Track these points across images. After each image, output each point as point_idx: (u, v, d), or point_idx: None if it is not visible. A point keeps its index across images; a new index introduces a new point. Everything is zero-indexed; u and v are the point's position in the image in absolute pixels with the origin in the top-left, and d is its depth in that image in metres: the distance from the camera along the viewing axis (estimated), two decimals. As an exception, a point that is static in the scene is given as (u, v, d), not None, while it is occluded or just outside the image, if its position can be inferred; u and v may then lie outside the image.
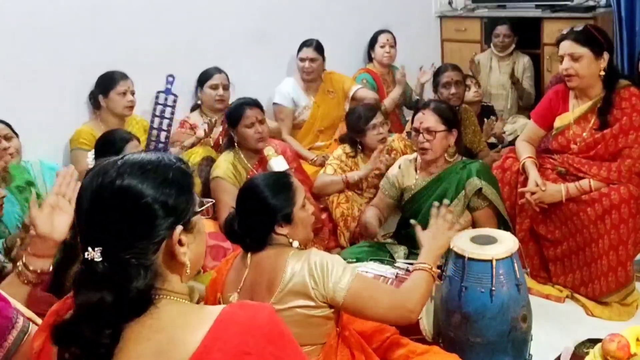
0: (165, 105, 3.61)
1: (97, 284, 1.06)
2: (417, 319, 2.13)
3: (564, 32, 2.95)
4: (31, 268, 1.74)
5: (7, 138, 2.92)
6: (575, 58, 2.83)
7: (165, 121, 3.57)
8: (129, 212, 1.08)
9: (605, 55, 2.84)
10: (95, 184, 1.10)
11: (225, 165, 3.16)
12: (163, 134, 3.55)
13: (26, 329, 1.48)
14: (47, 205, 1.78)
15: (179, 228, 1.12)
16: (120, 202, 1.08)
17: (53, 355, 1.14)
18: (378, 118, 3.43)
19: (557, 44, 2.95)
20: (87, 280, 1.07)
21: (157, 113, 3.57)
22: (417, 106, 3.08)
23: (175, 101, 3.65)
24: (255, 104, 3.22)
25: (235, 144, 3.21)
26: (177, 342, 1.06)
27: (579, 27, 2.91)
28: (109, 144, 2.81)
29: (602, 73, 2.85)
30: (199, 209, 1.18)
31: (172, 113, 3.62)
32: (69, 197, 1.80)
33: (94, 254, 1.07)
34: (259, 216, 1.92)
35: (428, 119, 2.85)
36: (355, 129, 3.46)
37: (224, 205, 2.85)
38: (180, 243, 1.12)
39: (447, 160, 2.90)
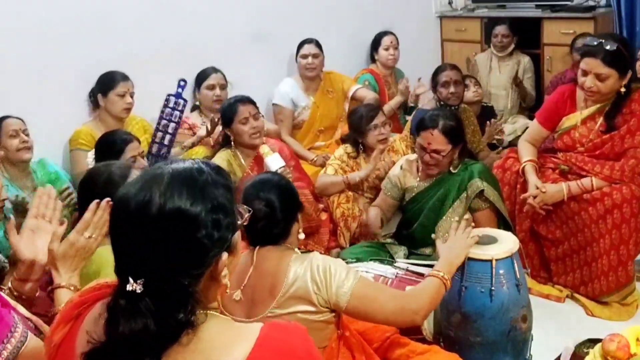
0: (174, 109, 3.60)
1: (139, 315, 1.01)
2: (421, 322, 2.13)
3: (590, 42, 2.84)
4: (16, 294, 1.68)
5: (26, 133, 2.94)
6: (601, 79, 2.76)
7: (172, 125, 3.57)
8: (178, 245, 1.03)
9: (629, 74, 2.79)
10: (141, 205, 1.03)
11: (219, 162, 3.12)
12: (167, 137, 3.55)
13: (23, 341, 1.42)
14: (26, 229, 1.70)
15: (225, 255, 1.09)
16: (169, 234, 1.02)
17: (73, 349, 1.12)
18: (380, 118, 3.43)
19: (581, 55, 2.85)
20: (127, 311, 1.01)
21: (165, 116, 3.56)
22: (422, 119, 2.97)
23: (184, 106, 3.65)
24: (247, 100, 3.27)
25: (232, 142, 3.24)
26: None
27: (611, 45, 2.72)
28: (110, 145, 2.81)
29: (623, 90, 2.80)
30: (240, 222, 1.15)
31: (180, 117, 3.62)
32: (49, 218, 1.72)
33: (136, 287, 1.01)
34: (283, 219, 1.93)
35: (437, 140, 2.79)
36: (358, 129, 3.45)
37: None
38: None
39: (451, 171, 2.89)
